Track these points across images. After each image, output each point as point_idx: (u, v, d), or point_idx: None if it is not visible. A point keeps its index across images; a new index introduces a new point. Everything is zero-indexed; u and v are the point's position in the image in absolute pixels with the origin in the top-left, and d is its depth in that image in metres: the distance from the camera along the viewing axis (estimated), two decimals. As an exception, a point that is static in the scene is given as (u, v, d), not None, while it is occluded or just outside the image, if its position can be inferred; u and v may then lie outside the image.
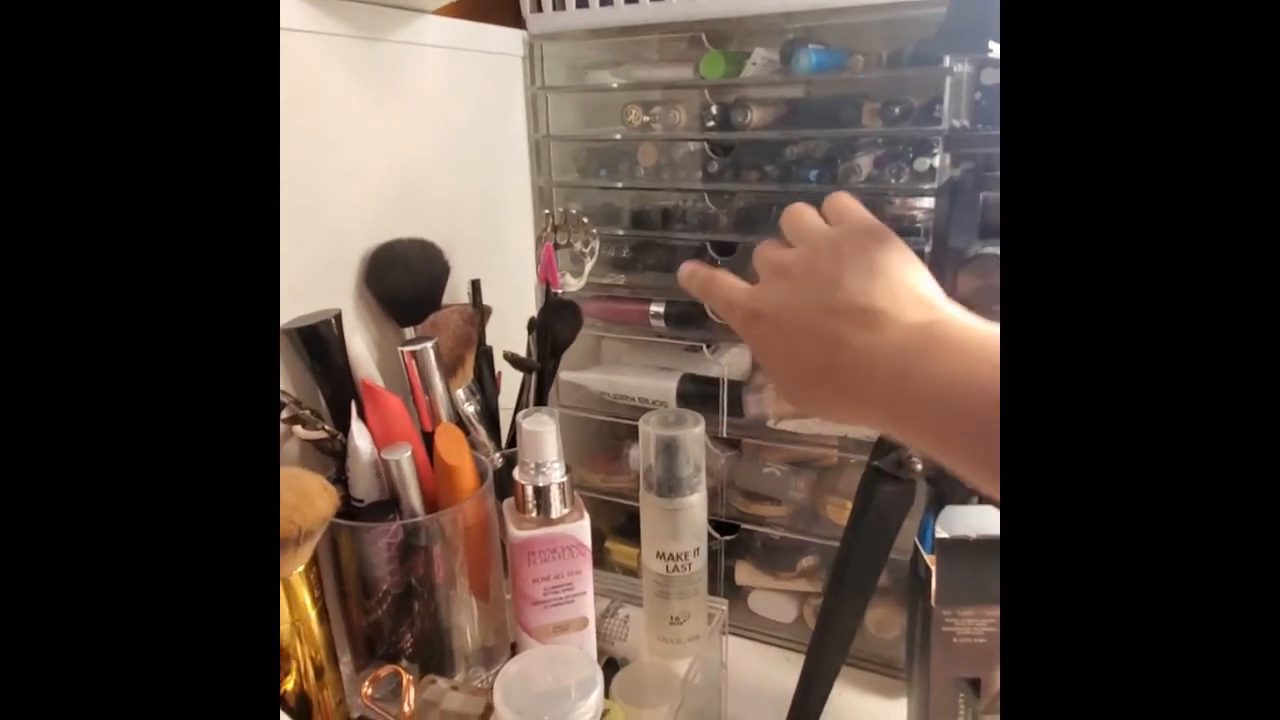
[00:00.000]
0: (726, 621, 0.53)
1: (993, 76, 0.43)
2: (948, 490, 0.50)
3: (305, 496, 0.39)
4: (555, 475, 0.44)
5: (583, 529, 0.45)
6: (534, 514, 0.44)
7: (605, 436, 0.73)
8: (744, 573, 0.68)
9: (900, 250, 0.34)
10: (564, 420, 0.71)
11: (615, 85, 0.64)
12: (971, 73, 0.48)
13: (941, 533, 0.45)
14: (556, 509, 0.44)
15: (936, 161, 0.52)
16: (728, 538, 0.67)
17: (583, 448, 0.73)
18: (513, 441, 0.54)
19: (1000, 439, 0.22)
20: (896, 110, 0.55)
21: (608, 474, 0.72)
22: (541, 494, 0.44)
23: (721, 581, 0.67)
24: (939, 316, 0.31)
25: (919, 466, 0.49)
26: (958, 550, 0.45)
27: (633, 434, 0.71)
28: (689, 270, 0.40)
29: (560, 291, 0.52)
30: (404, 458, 0.42)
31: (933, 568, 0.46)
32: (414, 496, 0.43)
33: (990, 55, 0.42)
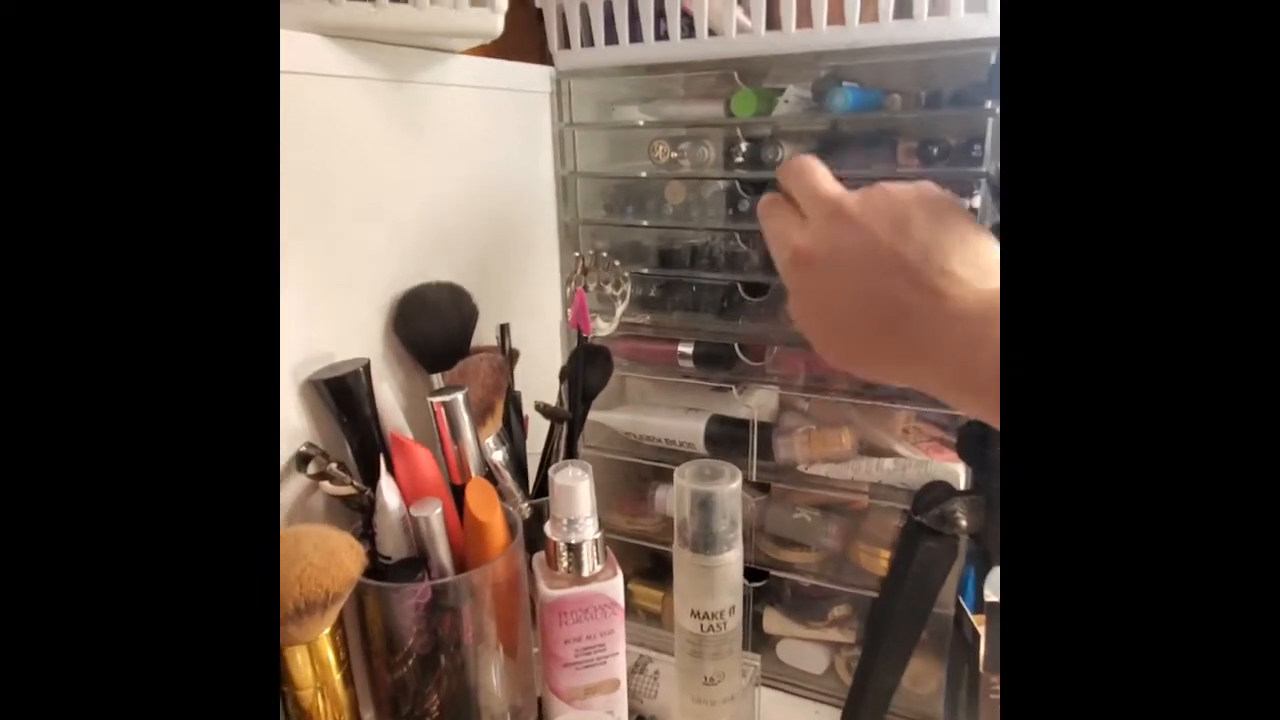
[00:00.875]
0: (759, 678, 0.51)
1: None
2: (991, 546, 0.48)
3: (333, 557, 0.38)
4: (589, 532, 0.43)
5: (616, 587, 0.43)
6: (566, 571, 0.43)
7: (631, 477, 0.72)
8: (773, 621, 0.66)
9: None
10: (588, 461, 0.70)
11: (642, 123, 0.63)
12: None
13: (991, 596, 0.43)
14: (589, 566, 0.43)
15: (977, 203, 0.51)
16: (756, 584, 0.65)
17: (607, 489, 0.72)
18: (540, 490, 0.52)
19: (1001, 444, 0.21)
20: (934, 150, 0.54)
21: (633, 516, 0.70)
22: (574, 550, 0.42)
23: (750, 629, 0.65)
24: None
25: (963, 523, 0.47)
26: (1008, 613, 0.44)
27: (659, 475, 0.70)
28: (766, 197, 0.38)
29: (591, 337, 0.51)
30: (434, 515, 0.41)
31: (981, 630, 0.44)
32: (443, 554, 0.42)
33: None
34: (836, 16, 0.51)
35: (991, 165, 0.51)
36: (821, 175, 0.35)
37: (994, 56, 0.49)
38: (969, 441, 0.48)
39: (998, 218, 0.45)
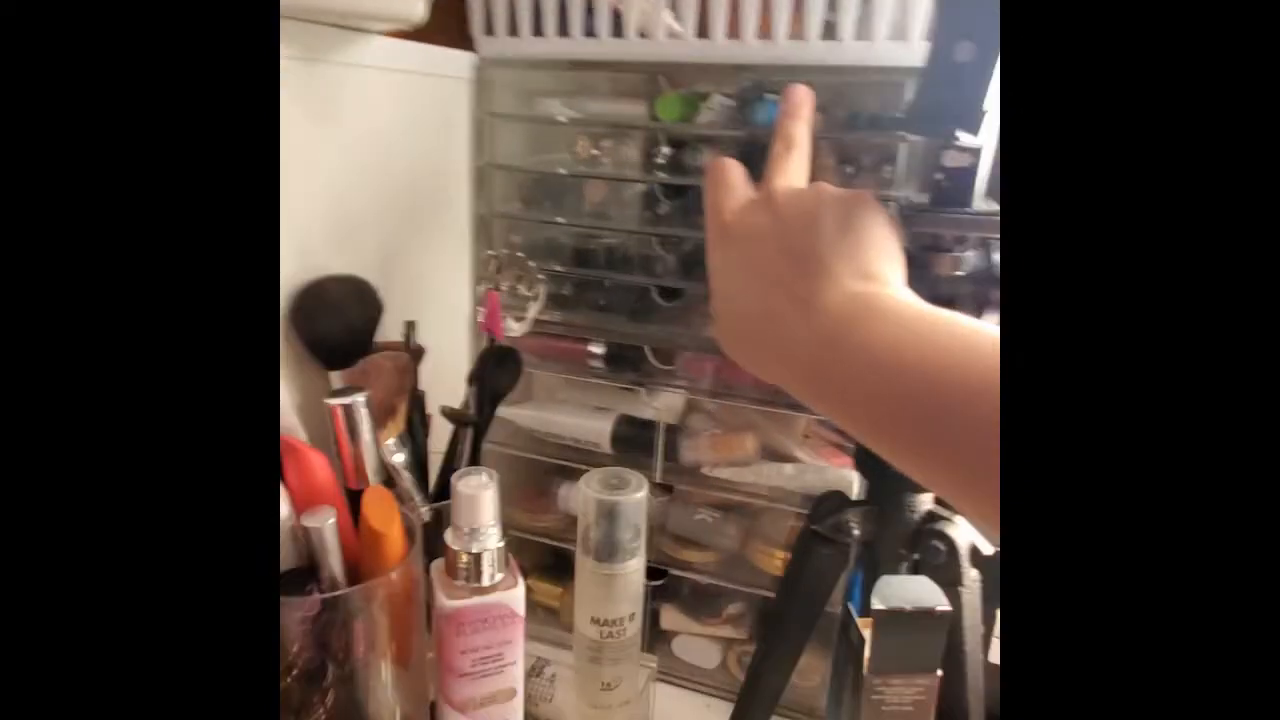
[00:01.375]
0: (654, 682, 0.52)
1: (956, 159, 0.43)
2: (881, 553, 0.50)
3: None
4: (491, 540, 0.42)
5: (517, 597, 0.43)
6: (466, 581, 0.42)
7: (534, 473, 0.71)
8: (670, 617, 0.67)
9: (882, 227, 0.32)
10: (490, 457, 0.69)
11: (564, 120, 0.61)
12: (929, 147, 0.49)
13: (878, 604, 0.45)
14: (490, 576, 0.42)
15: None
16: (656, 583, 0.66)
17: (510, 484, 0.71)
18: (442, 493, 0.51)
19: (943, 423, 0.22)
20: (849, 169, 0.55)
21: (535, 512, 0.69)
22: (475, 560, 0.42)
23: (647, 625, 0.66)
24: (880, 290, 0.30)
25: (856, 531, 0.49)
26: (893, 621, 0.46)
27: (563, 472, 0.70)
28: (719, 162, 0.38)
29: (503, 340, 0.50)
30: (326, 525, 0.39)
31: (867, 636, 0.47)
32: (335, 565, 0.40)
33: (956, 141, 0.42)
34: (765, 30, 0.51)
35: (902, 188, 0.53)
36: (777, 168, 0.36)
37: (909, 87, 0.51)
38: (865, 453, 0.49)
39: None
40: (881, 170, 0.54)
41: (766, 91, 0.57)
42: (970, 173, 0.44)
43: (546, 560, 0.71)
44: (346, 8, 0.40)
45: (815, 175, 0.57)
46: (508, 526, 0.67)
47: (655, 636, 0.67)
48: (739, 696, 0.54)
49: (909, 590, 0.47)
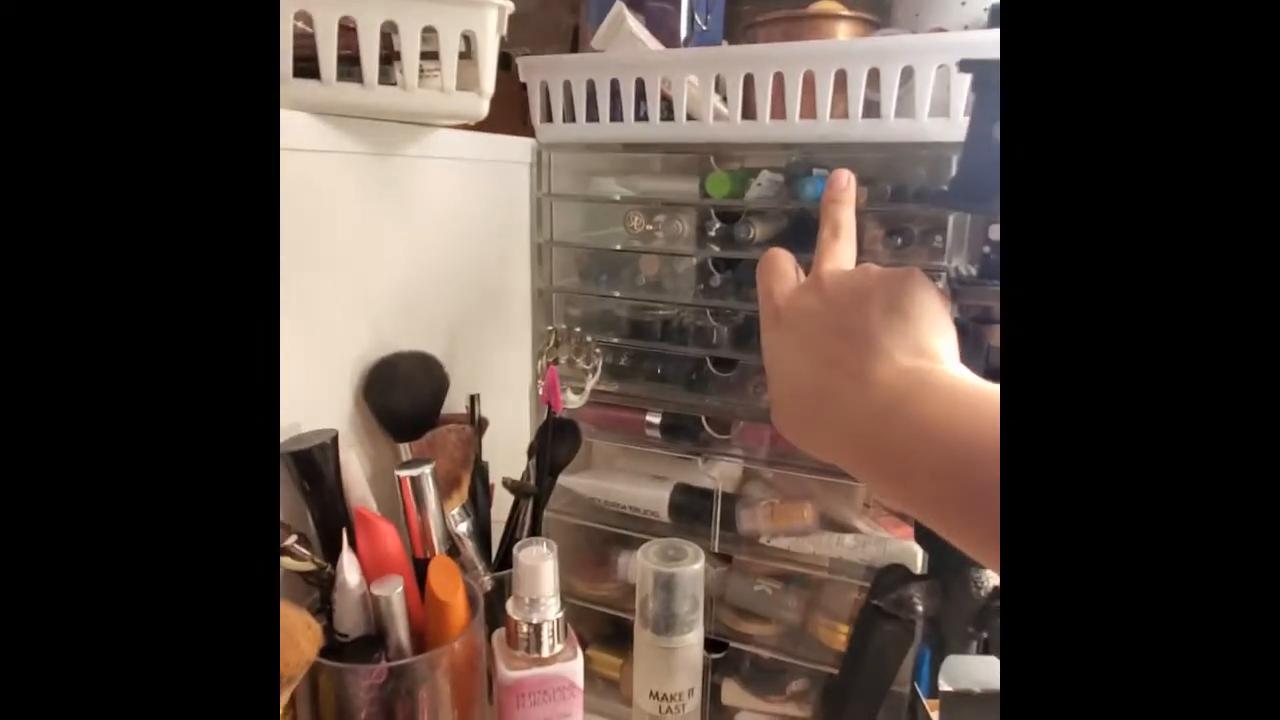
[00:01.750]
0: (716, 758, 0.51)
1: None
2: (947, 631, 0.49)
3: (288, 637, 0.37)
4: (550, 611, 0.43)
5: (575, 669, 0.43)
6: (526, 651, 0.42)
7: (594, 542, 0.72)
8: (731, 692, 0.65)
9: (932, 301, 0.33)
10: (550, 525, 0.70)
11: (619, 198, 0.64)
12: (976, 218, 0.49)
13: (945, 685, 0.44)
14: (549, 646, 0.43)
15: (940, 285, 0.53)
16: (716, 655, 0.65)
17: (569, 552, 0.71)
18: (504, 562, 0.52)
19: (999, 501, 0.21)
20: (899, 240, 0.56)
21: (593, 581, 0.70)
22: (535, 630, 0.42)
23: (708, 700, 0.65)
24: (933, 366, 0.30)
25: (920, 607, 0.48)
26: (961, 703, 0.44)
27: (622, 541, 0.70)
28: (771, 251, 0.39)
29: (561, 412, 0.51)
30: (395, 594, 0.41)
31: (935, 717, 0.45)
32: (402, 633, 0.41)
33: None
34: (809, 111, 0.53)
35: (953, 259, 0.53)
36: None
37: (954, 161, 0.52)
38: (924, 528, 0.49)
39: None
40: (932, 241, 0.55)
41: (814, 167, 0.59)
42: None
43: (606, 630, 0.71)
44: (417, 109, 0.44)
45: (865, 248, 0.58)
46: (566, 595, 0.68)
47: (716, 713, 0.65)
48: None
49: (977, 670, 0.45)
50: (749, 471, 0.66)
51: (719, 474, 0.63)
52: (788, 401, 0.35)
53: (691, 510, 0.64)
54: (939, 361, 0.31)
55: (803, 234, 0.62)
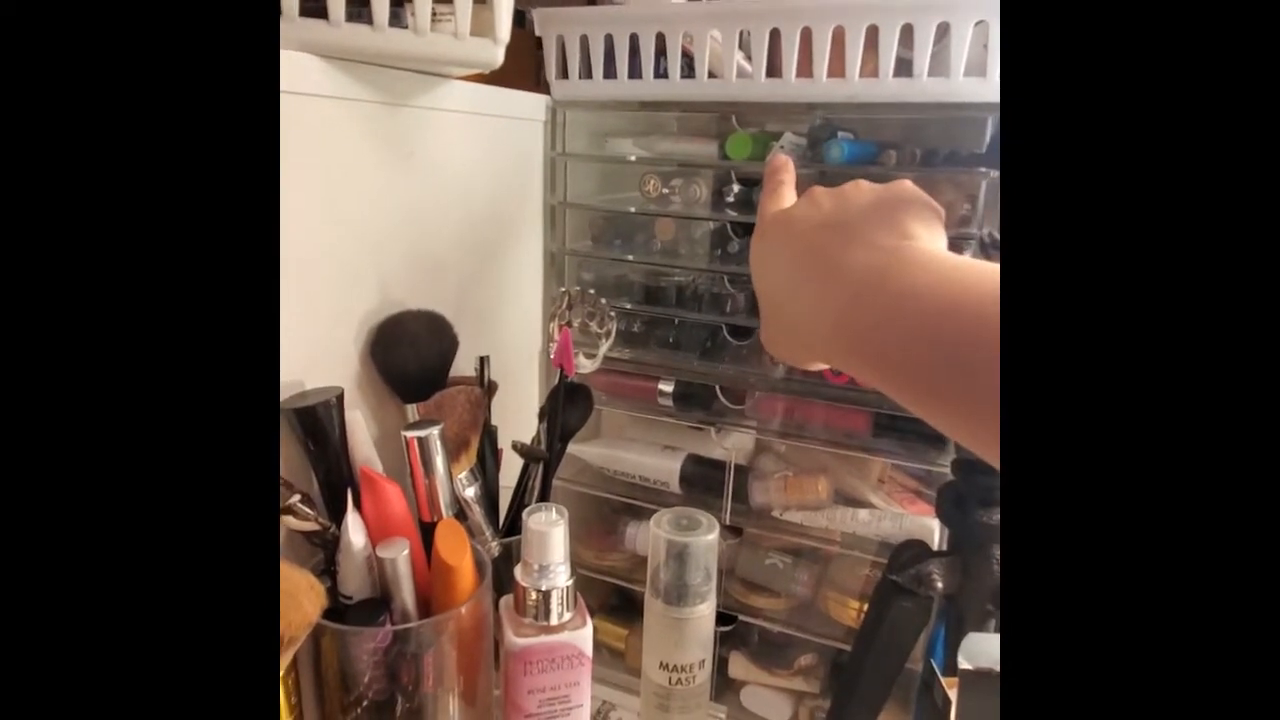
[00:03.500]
0: (724, 732, 0.50)
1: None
2: (965, 608, 0.48)
3: (291, 598, 0.36)
4: (559, 579, 0.41)
5: (584, 637, 0.42)
6: (534, 619, 0.41)
7: (602, 512, 0.71)
8: (738, 666, 0.65)
9: (917, 198, 0.32)
10: (558, 493, 0.69)
11: (634, 158, 0.62)
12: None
13: (964, 663, 0.43)
14: (558, 614, 0.42)
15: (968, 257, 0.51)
16: (724, 628, 0.64)
17: (577, 522, 0.70)
18: (512, 527, 0.51)
19: (984, 369, 0.21)
20: (925, 207, 0.54)
21: (601, 551, 0.69)
22: (543, 597, 0.41)
23: (715, 673, 0.64)
24: (912, 244, 0.29)
25: (939, 584, 0.47)
26: (980, 682, 0.43)
27: (631, 511, 0.69)
28: (779, 161, 0.40)
29: (573, 376, 0.50)
30: (400, 557, 0.39)
31: (952, 696, 0.44)
32: (407, 597, 0.40)
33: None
34: (837, 70, 0.51)
35: (983, 227, 0.51)
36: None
37: (991, 122, 0.50)
38: (947, 502, 0.47)
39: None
40: (961, 208, 0.53)
41: (839, 130, 0.57)
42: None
43: (612, 600, 0.70)
44: (429, 55, 0.42)
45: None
46: (574, 565, 0.67)
47: (723, 686, 0.65)
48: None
49: (997, 648, 0.44)
50: (762, 444, 0.64)
51: (732, 445, 0.62)
52: (771, 314, 0.35)
53: (703, 482, 0.63)
54: (918, 240, 0.30)
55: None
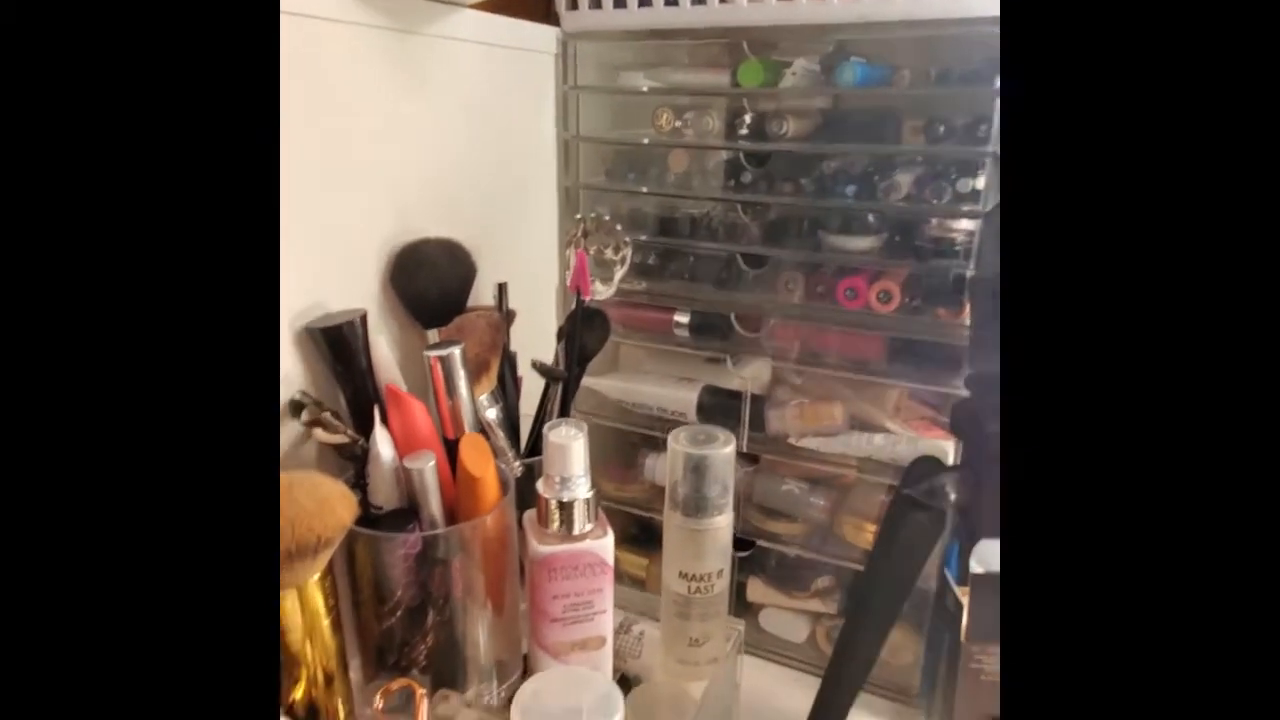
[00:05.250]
0: (742, 644, 0.52)
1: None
2: (978, 521, 0.49)
3: (325, 504, 0.38)
4: (581, 491, 0.43)
5: (606, 546, 0.44)
6: (557, 529, 0.43)
7: (620, 444, 0.72)
8: (756, 590, 0.66)
9: None
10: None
11: (646, 89, 0.62)
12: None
13: (977, 567, 0.44)
14: (580, 525, 0.43)
15: (981, 183, 0.51)
16: (742, 554, 0.65)
17: (596, 455, 0.71)
18: (533, 449, 0.52)
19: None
20: (941, 129, 0.54)
21: (621, 482, 0.70)
22: (566, 509, 0.43)
23: (734, 597, 0.66)
24: None
25: (952, 497, 0.47)
26: (993, 586, 0.44)
27: (649, 443, 0.70)
28: None
29: (589, 300, 0.51)
30: (427, 467, 0.41)
31: (965, 602, 0.45)
32: (435, 506, 0.42)
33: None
34: (848, -13, 0.50)
35: (996, 145, 0.51)
36: None
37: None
38: (961, 417, 0.48)
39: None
40: (977, 129, 0.53)
41: (852, 55, 0.56)
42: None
43: (632, 531, 0.72)
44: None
45: (904, 139, 0.55)
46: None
47: (743, 610, 0.66)
48: (828, 668, 0.53)
49: (1009, 552, 0.45)
50: (778, 372, 0.65)
51: (748, 375, 0.63)
52: None
53: (720, 411, 0.64)
54: None
55: (838, 130, 0.60)
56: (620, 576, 0.70)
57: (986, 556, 0.45)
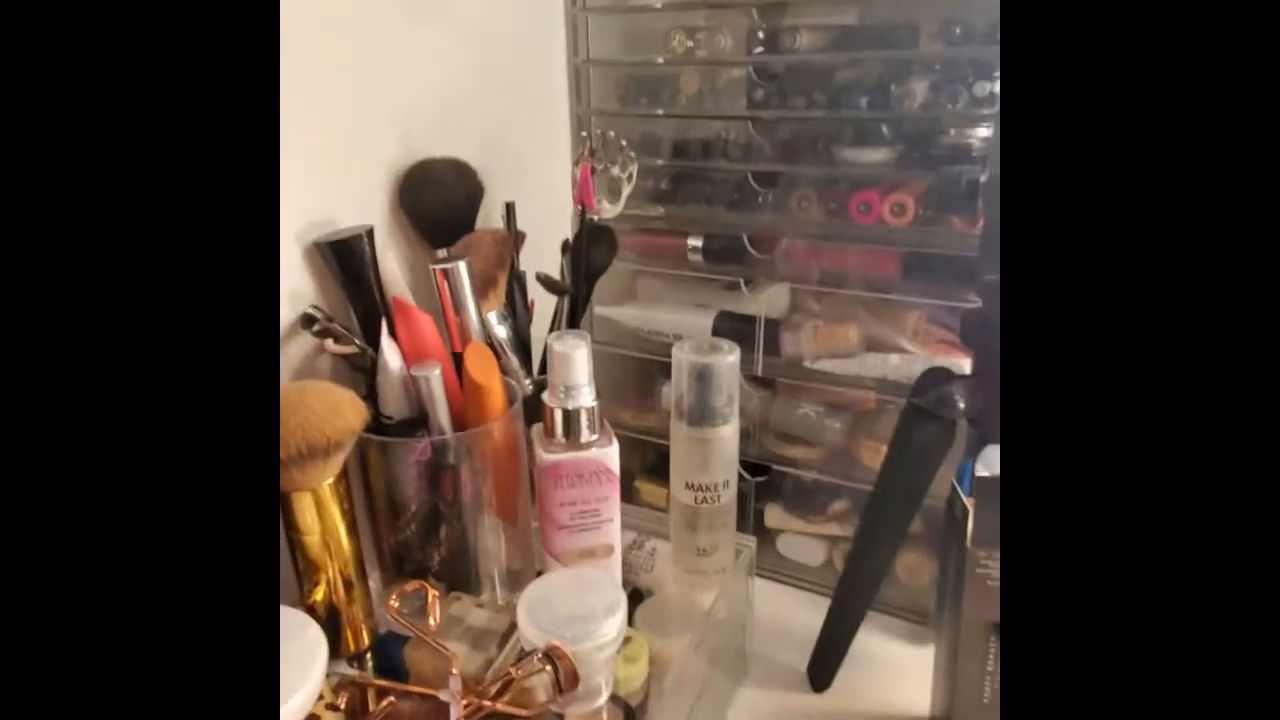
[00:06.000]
0: (754, 560, 0.52)
1: None
2: (989, 432, 0.48)
3: (335, 408, 0.39)
4: (585, 399, 0.43)
5: (611, 455, 0.44)
6: (562, 438, 0.44)
7: (638, 374, 0.72)
8: (774, 516, 0.67)
9: None
10: (597, 356, 0.70)
11: (660, 4, 0.61)
12: None
13: (982, 471, 0.44)
14: (585, 434, 0.44)
15: (999, 86, 0.49)
16: (759, 479, 0.66)
17: (616, 384, 0.73)
18: (545, 369, 0.53)
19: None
20: (958, 30, 0.52)
21: (640, 411, 0.71)
22: (571, 418, 0.43)
23: (751, 523, 0.66)
24: None
25: (961, 405, 0.47)
26: (996, 489, 0.44)
27: (666, 371, 0.70)
28: None
29: (596, 216, 0.51)
30: (434, 375, 0.42)
31: (970, 508, 0.45)
32: (442, 415, 0.43)
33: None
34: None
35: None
36: None
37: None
38: (971, 325, 0.47)
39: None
40: (996, 32, 0.51)
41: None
42: None
43: (652, 459, 0.72)
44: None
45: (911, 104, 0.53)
46: (615, 426, 0.69)
47: (761, 536, 0.67)
48: (839, 581, 0.54)
49: (1019, 458, 0.45)
50: (796, 298, 0.65)
51: (764, 299, 0.62)
52: None
53: (735, 335, 0.63)
54: None
55: (854, 41, 0.59)
56: (641, 507, 0.72)
57: (993, 461, 0.44)
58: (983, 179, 0.50)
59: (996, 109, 0.49)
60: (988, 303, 0.47)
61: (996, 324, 0.46)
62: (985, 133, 0.51)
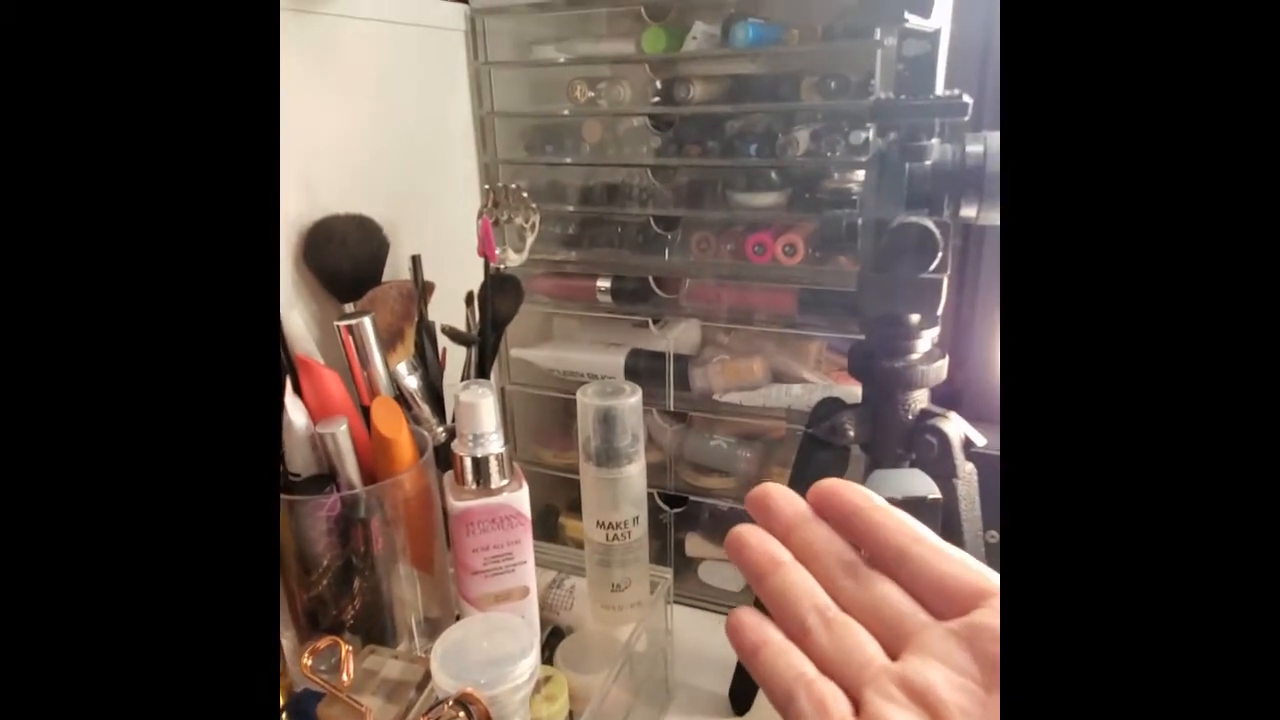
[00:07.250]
0: (671, 590, 0.54)
1: (914, 48, 0.44)
2: (880, 455, 0.51)
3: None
4: (493, 446, 0.45)
5: (521, 499, 0.45)
6: (473, 485, 0.45)
7: (558, 413, 0.74)
8: (694, 544, 0.69)
9: None
10: (516, 398, 0.72)
11: (561, 60, 0.64)
12: (897, 45, 0.49)
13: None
14: (495, 479, 0.45)
15: (871, 134, 0.53)
16: (676, 510, 0.68)
17: (536, 424, 0.74)
18: (456, 416, 0.54)
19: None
20: (833, 84, 0.56)
21: (560, 450, 0.72)
22: (480, 465, 0.44)
23: (672, 553, 0.68)
24: None
25: (851, 433, 0.50)
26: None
27: (581, 410, 0.73)
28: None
29: (501, 266, 0.52)
30: (339, 430, 0.43)
31: (864, 530, 0.48)
32: (351, 470, 0.44)
33: (909, 25, 0.43)
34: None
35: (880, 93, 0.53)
36: None
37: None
38: (857, 357, 0.50)
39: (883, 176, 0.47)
40: (868, 85, 0.55)
41: (748, 16, 0.58)
42: (929, 60, 0.45)
43: (574, 496, 0.73)
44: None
45: (801, 97, 0.57)
46: (536, 465, 0.70)
47: (683, 565, 0.69)
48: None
49: (902, 481, 0.48)
50: (706, 333, 0.67)
51: (674, 336, 0.65)
52: None
53: (647, 372, 0.66)
54: None
55: (743, 92, 0.62)
56: (566, 543, 0.73)
57: (880, 485, 0.47)
58: (860, 221, 0.53)
59: (868, 156, 0.53)
60: (870, 336, 0.50)
61: (879, 353, 0.49)
62: (862, 176, 0.55)
